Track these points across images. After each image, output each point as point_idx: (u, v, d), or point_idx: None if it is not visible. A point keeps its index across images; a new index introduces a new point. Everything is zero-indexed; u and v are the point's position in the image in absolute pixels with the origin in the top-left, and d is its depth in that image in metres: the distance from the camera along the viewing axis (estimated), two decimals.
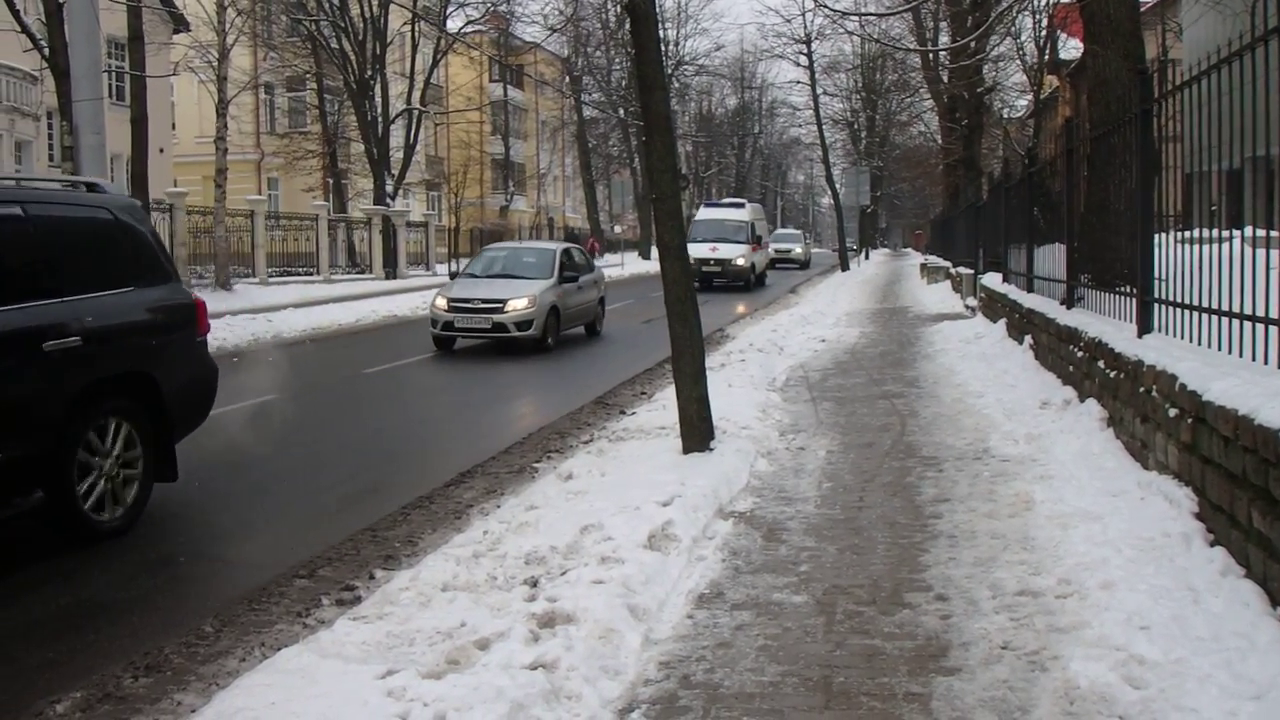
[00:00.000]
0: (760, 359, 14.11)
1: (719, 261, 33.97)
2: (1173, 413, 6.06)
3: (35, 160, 31.57)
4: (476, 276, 18.87)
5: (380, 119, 39.71)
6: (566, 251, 19.72)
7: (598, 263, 26.24)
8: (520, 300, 17.21)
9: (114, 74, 32.57)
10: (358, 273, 37.32)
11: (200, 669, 4.99)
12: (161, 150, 35.41)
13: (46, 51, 21.12)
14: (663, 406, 10.30)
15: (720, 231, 35.27)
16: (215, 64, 27.72)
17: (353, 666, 4.46)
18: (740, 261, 34.45)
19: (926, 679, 4.45)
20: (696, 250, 29.04)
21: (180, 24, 34.74)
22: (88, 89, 17.48)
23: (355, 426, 11.12)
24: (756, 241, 36.52)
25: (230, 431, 10.44)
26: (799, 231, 66.25)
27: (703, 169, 77.45)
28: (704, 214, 38.46)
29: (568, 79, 60.74)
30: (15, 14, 21.48)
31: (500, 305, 17.15)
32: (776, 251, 50.53)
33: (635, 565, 5.54)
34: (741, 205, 39.59)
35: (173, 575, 6.44)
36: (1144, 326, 7.68)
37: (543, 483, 7.90)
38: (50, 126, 31.67)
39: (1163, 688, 4.05)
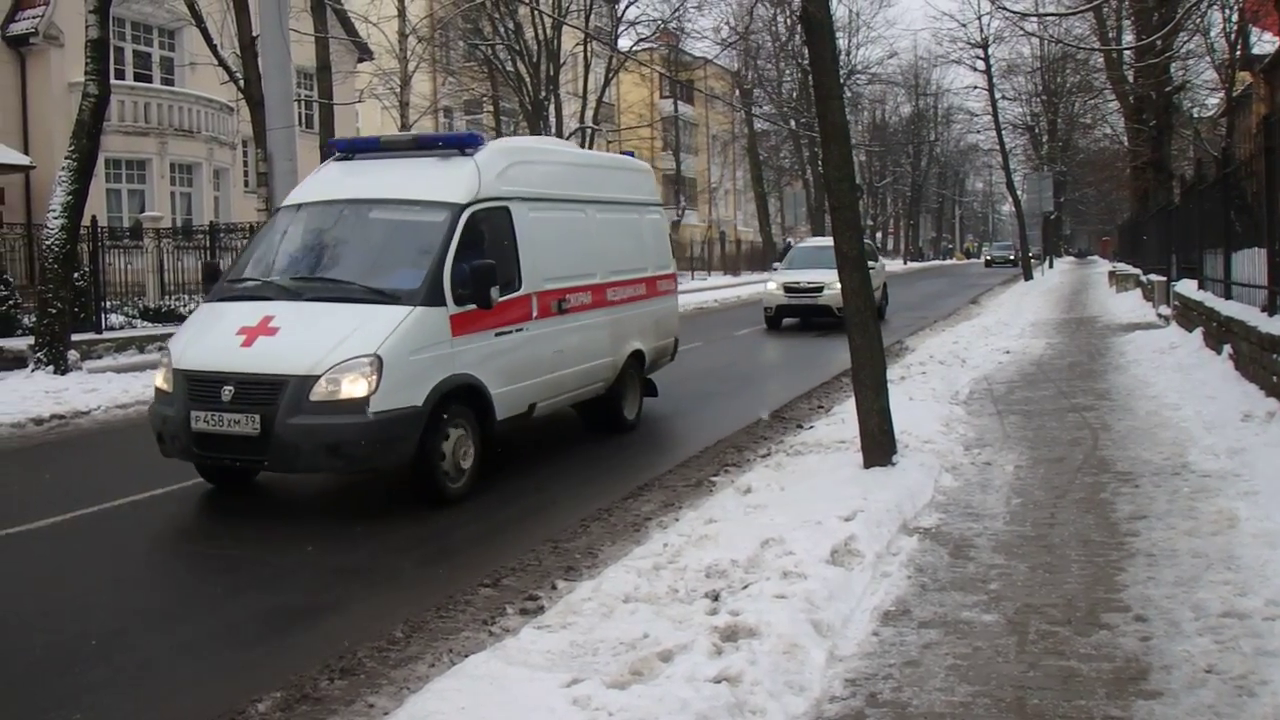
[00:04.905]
0: (942, 371, 13.81)
1: (248, 388, 7.94)
2: None
3: (232, 186, 33.35)
4: None
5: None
6: None
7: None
8: None
9: (304, 102, 34.15)
10: None
11: (392, 673, 5.15)
12: None
13: (242, 83, 22.26)
14: (841, 420, 10.17)
15: (328, 253, 9.29)
16: (398, 90, 28.78)
17: (539, 674, 4.53)
18: (353, 389, 7.81)
19: (1126, 702, 4.28)
20: (199, 346, 8.54)
21: (365, 53, 36.13)
22: (280, 117, 18.34)
23: (533, 437, 11.30)
24: (465, 290, 8.65)
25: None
26: (870, 245, 29.73)
27: (877, 178, 76.41)
28: (309, 189, 9.94)
29: (738, 92, 60.83)
30: (213, 48, 22.70)
31: None
32: (788, 291, 24.17)
33: (818, 580, 5.47)
34: (463, 146, 9.60)
35: (364, 582, 6.67)
36: None
37: (721, 496, 7.88)
38: (245, 154, 33.39)
39: None
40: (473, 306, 8.68)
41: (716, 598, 5.40)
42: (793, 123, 57.51)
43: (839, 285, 22.55)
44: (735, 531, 6.49)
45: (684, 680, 4.32)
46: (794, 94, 57.22)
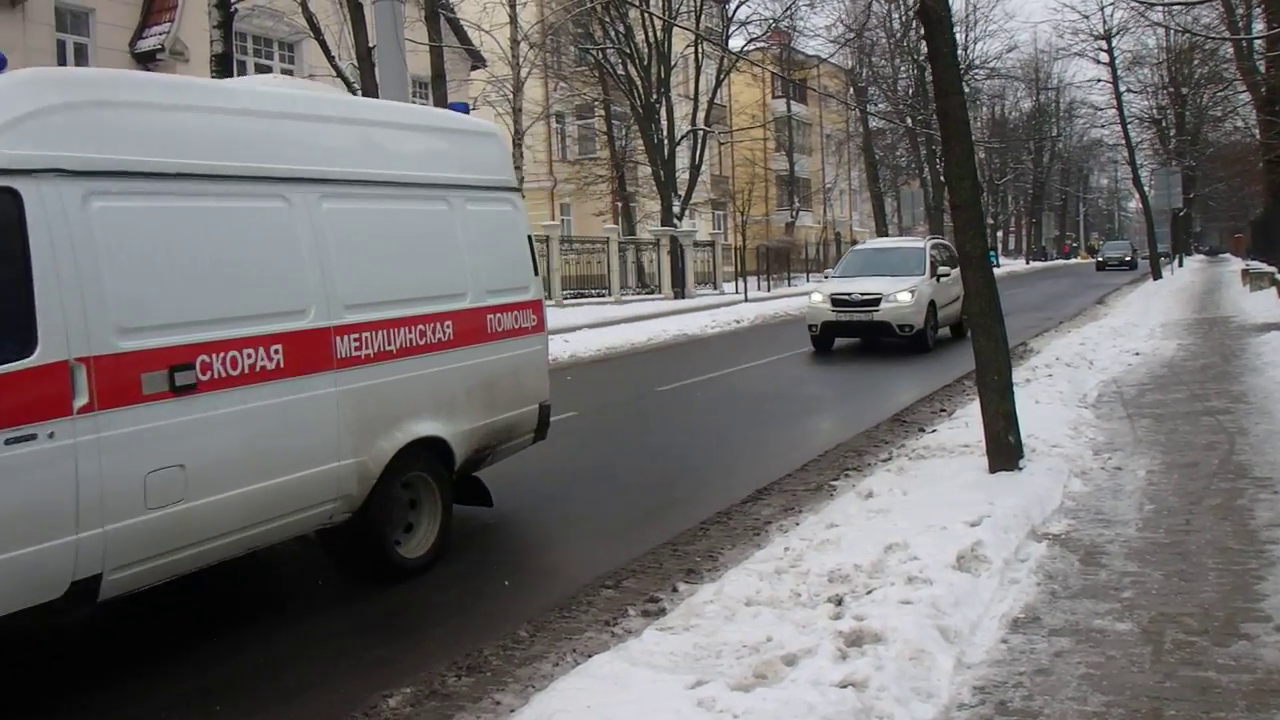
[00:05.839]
0: (1068, 374, 13.47)
1: None
2: None
3: None
4: None
5: (666, 141, 40.63)
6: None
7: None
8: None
9: None
10: (647, 293, 38.20)
11: (517, 671, 5.23)
12: None
13: (360, 94, 22.81)
14: (965, 424, 9.98)
15: None
16: (511, 97, 29.10)
17: (662, 675, 4.55)
18: None
19: (1268, 716, 4.16)
20: None
21: (478, 61, 36.64)
22: None
23: (652, 442, 11.35)
24: None
25: (537, 447, 10.88)
26: (949, 248, 21.27)
27: (997, 176, 74.83)
28: None
29: (852, 90, 60.19)
30: (331, 60, 23.32)
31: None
32: (837, 306, 19.37)
33: (944, 586, 5.39)
34: None
35: (489, 581, 6.78)
36: None
37: (842, 501, 7.81)
38: None
39: None
40: None
41: (840, 602, 5.36)
42: (909, 120, 56.67)
43: (902, 297, 17.86)
44: (857, 536, 6.43)
45: (809, 684, 4.30)
46: (910, 91, 56.36)
